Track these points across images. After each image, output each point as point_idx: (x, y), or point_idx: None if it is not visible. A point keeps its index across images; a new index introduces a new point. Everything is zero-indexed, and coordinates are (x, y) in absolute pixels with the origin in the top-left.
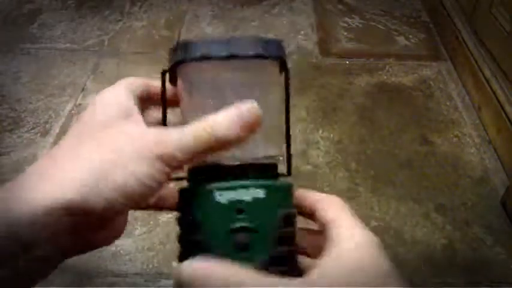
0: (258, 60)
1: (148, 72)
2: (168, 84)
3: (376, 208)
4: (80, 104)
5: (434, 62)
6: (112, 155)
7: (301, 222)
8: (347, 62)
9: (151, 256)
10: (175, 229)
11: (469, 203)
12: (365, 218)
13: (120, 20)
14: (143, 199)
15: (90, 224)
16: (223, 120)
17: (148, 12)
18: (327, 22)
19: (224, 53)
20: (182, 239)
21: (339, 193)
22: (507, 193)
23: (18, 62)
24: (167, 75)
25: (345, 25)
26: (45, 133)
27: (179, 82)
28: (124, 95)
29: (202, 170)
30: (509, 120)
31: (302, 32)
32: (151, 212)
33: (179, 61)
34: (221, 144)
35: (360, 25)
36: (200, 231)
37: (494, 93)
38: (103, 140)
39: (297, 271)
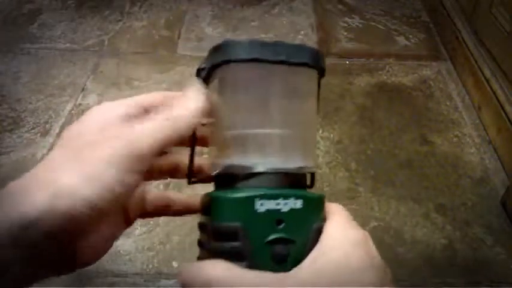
0: (304, 68)
1: (148, 72)
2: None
3: (376, 208)
4: (80, 104)
5: (434, 62)
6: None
7: None
8: (347, 62)
9: (151, 256)
10: (175, 229)
11: (469, 203)
12: (365, 218)
13: (120, 20)
14: (114, 204)
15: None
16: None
17: (148, 12)
18: (327, 22)
19: (274, 58)
20: (211, 245)
21: (339, 193)
22: (507, 193)
23: (18, 62)
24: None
25: (345, 25)
26: (45, 133)
27: (215, 82)
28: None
29: (236, 175)
30: (509, 120)
31: (302, 32)
32: None
33: (226, 60)
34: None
35: (360, 25)
36: (237, 240)
37: (494, 93)
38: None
39: None
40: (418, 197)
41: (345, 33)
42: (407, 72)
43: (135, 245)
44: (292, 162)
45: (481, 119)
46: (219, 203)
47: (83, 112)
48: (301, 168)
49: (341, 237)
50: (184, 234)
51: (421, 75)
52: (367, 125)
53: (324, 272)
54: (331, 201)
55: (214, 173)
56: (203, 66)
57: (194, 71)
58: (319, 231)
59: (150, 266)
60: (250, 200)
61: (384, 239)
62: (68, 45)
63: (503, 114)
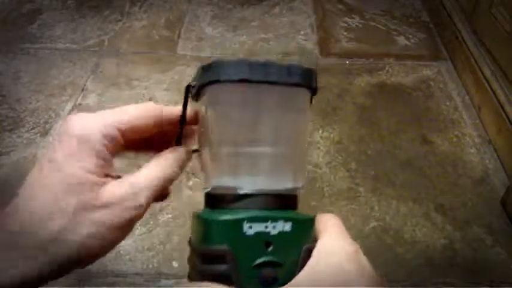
0: (294, 88)
1: (148, 72)
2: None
3: (376, 208)
4: (80, 104)
5: (434, 62)
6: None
7: None
8: (347, 62)
9: (151, 256)
10: (175, 229)
11: (469, 203)
12: (365, 218)
13: (120, 20)
14: None
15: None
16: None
17: (148, 12)
18: (327, 22)
19: (262, 78)
20: (199, 267)
21: (339, 193)
22: (507, 193)
23: (18, 62)
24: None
25: (345, 25)
26: (45, 133)
27: (205, 101)
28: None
29: (225, 195)
30: (509, 120)
31: (302, 32)
32: (151, 212)
33: (214, 80)
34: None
35: (360, 25)
36: (224, 262)
37: (494, 93)
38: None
39: None
40: (418, 197)
41: (345, 33)
42: (407, 72)
43: (135, 245)
44: (281, 183)
45: (481, 119)
46: (207, 225)
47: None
48: (290, 189)
49: (336, 247)
50: (184, 234)
51: (421, 75)
52: (367, 125)
53: (320, 278)
54: (331, 201)
55: (204, 191)
56: (193, 84)
57: (194, 72)
58: (309, 253)
59: (150, 266)
60: (239, 223)
61: (384, 239)
62: (68, 45)
63: (503, 114)
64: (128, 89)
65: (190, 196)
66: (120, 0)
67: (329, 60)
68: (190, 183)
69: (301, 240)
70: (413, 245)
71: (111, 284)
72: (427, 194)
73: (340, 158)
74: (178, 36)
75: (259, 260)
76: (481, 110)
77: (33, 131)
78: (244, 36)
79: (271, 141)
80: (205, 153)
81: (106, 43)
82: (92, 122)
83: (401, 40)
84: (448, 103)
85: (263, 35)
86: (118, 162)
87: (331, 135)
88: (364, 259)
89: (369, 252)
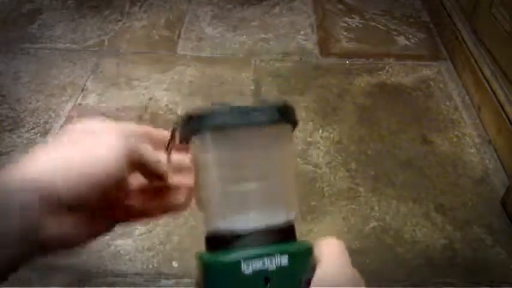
0: (272, 125)
1: (148, 72)
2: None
3: (376, 208)
4: (80, 104)
5: (434, 62)
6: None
7: None
8: (347, 62)
9: (151, 256)
10: (175, 229)
11: (469, 203)
12: (365, 218)
13: (120, 20)
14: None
15: (60, 210)
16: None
17: (148, 12)
18: (327, 22)
19: (240, 121)
20: None
21: (339, 193)
22: (507, 193)
23: (18, 62)
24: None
25: (345, 25)
26: (45, 133)
27: (190, 149)
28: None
29: (222, 237)
30: (509, 120)
31: (302, 32)
32: None
33: (195, 130)
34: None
35: (360, 25)
36: None
37: (494, 93)
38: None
39: None
40: (418, 197)
41: (345, 33)
42: (407, 72)
43: (135, 245)
44: (274, 217)
45: (481, 119)
46: (207, 268)
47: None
48: (284, 222)
49: (331, 278)
50: (184, 234)
51: (421, 75)
52: (367, 125)
53: None
54: (331, 201)
55: (203, 234)
56: (178, 130)
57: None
58: (308, 284)
59: (150, 266)
60: (237, 264)
61: (384, 239)
62: (68, 45)
63: (503, 114)
64: (128, 89)
65: None
66: (120, 0)
67: (329, 60)
68: None
69: (300, 272)
70: (413, 245)
71: (111, 284)
72: (427, 194)
73: (340, 158)
74: (178, 36)
75: None
76: (481, 110)
77: (33, 131)
78: (244, 36)
79: (257, 178)
80: (198, 196)
81: (106, 43)
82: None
83: (401, 40)
84: (448, 103)
85: (263, 35)
86: None
87: (331, 135)
88: (362, 284)
89: (369, 252)
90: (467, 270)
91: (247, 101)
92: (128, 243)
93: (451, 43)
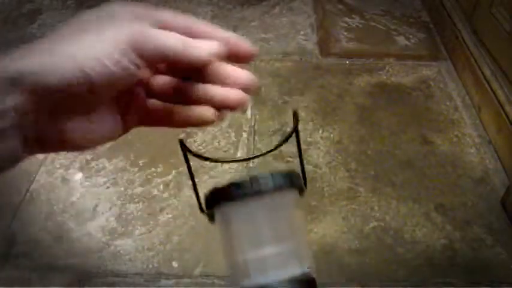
0: (281, 192)
1: None
2: None
3: (376, 208)
4: None
5: (434, 62)
6: (86, 35)
7: None
8: (347, 62)
9: (151, 256)
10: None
11: (469, 203)
12: (365, 218)
13: None
14: (105, 83)
15: (55, 104)
16: (202, 46)
17: None
18: (327, 22)
19: (256, 190)
20: None
21: (339, 193)
22: (507, 193)
23: None
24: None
25: (345, 25)
26: None
27: (218, 219)
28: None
29: None
30: (509, 120)
31: (302, 32)
32: (151, 212)
33: (214, 204)
34: (187, 62)
35: (360, 25)
36: None
37: (494, 93)
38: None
39: None
40: (418, 197)
41: (345, 33)
42: (407, 72)
43: (135, 245)
44: (292, 271)
45: (481, 119)
46: None
47: None
48: (300, 275)
49: None
50: (184, 234)
51: (421, 75)
52: (367, 125)
53: None
54: (331, 201)
55: None
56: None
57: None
58: None
59: (150, 266)
60: None
61: (384, 239)
62: None
63: (503, 114)
64: None
65: (191, 196)
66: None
67: (329, 60)
68: (190, 183)
69: None
70: (413, 245)
71: (111, 284)
72: (427, 194)
73: (340, 158)
74: None
75: None
76: (481, 110)
77: None
78: (244, 36)
79: (273, 241)
80: (226, 261)
81: None
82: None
83: (401, 40)
84: (448, 103)
85: (263, 35)
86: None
87: (331, 135)
88: None
89: (369, 252)
90: (467, 270)
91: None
92: (128, 243)
93: (451, 43)
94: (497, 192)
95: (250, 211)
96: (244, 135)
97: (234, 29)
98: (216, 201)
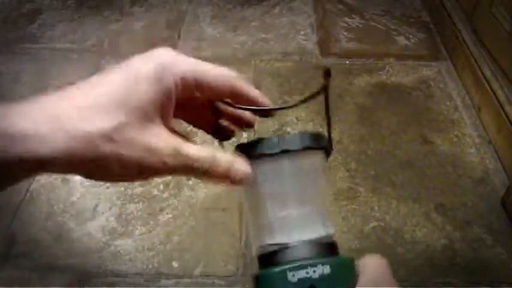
0: (311, 151)
1: None
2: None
3: (376, 208)
4: None
5: (434, 62)
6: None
7: None
8: (347, 62)
9: (151, 256)
10: (175, 229)
11: (469, 203)
12: (365, 218)
13: (120, 20)
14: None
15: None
16: (212, 161)
17: (148, 12)
18: (327, 22)
19: (297, 147)
20: None
21: (339, 193)
22: (507, 193)
23: (18, 62)
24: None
25: (345, 25)
26: None
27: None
28: (154, 91)
29: (270, 253)
30: (509, 120)
31: (302, 32)
32: (151, 212)
33: (255, 155)
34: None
35: (360, 25)
36: None
37: (494, 93)
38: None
39: None
40: (418, 197)
41: (345, 33)
42: (407, 72)
43: (135, 245)
44: (314, 233)
45: (481, 119)
46: (259, 280)
47: None
48: (324, 236)
49: (377, 282)
50: (184, 234)
51: (421, 75)
52: (367, 125)
53: None
54: (331, 201)
55: (255, 254)
56: (241, 147)
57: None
58: None
59: (150, 266)
60: (283, 273)
61: (384, 239)
62: (68, 45)
63: (503, 114)
64: None
65: (190, 196)
66: (120, 0)
67: (329, 60)
68: (191, 182)
69: (343, 280)
70: (413, 245)
71: (111, 284)
72: (427, 194)
73: (340, 158)
74: (178, 36)
75: None
76: (481, 110)
77: None
78: (244, 36)
79: (299, 201)
80: (252, 219)
81: (106, 43)
82: (178, 60)
83: (401, 40)
84: (448, 103)
85: (263, 35)
86: None
87: (331, 135)
88: None
89: (369, 252)
90: (467, 270)
91: None
92: (128, 243)
93: (451, 43)
94: (497, 192)
95: (277, 170)
96: (244, 135)
97: (234, 29)
98: (258, 152)
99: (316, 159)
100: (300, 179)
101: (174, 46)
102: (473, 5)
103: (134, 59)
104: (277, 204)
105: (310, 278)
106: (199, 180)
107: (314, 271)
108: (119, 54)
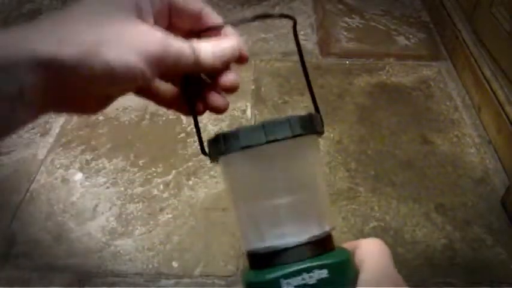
0: (297, 139)
1: None
2: None
3: (376, 208)
4: None
5: (434, 61)
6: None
7: None
8: (347, 62)
9: (151, 256)
10: (175, 229)
11: (469, 203)
12: (365, 218)
13: None
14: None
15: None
16: (212, 52)
17: None
18: (327, 22)
19: (264, 140)
20: None
21: (339, 193)
22: (507, 193)
23: None
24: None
25: (345, 25)
26: (45, 133)
27: (223, 169)
28: None
29: (261, 255)
30: (509, 120)
31: (302, 32)
32: (151, 212)
33: (221, 153)
34: (199, 68)
35: (360, 25)
36: None
37: (494, 93)
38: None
39: None
40: (418, 197)
41: (345, 33)
42: (407, 72)
43: (135, 245)
44: (309, 230)
45: (481, 119)
46: (248, 287)
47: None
48: (319, 233)
49: (378, 280)
50: (184, 234)
51: (421, 75)
52: (367, 125)
53: None
54: (331, 201)
55: (243, 253)
56: (207, 151)
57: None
58: None
59: (150, 266)
60: (276, 282)
61: (384, 239)
62: None
63: (503, 114)
64: None
65: (190, 196)
66: None
67: (329, 60)
68: (190, 183)
69: (342, 281)
70: (413, 245)
71: (111, 284)
72: (427, 194)
73: (340, 158)
74: None
75: None
76: (481, 110)
77: (33, 131)
78: (244, 36)
79: (287, 193)
80: (235, 215)
81: None
82: None
83: (401, 40)
84: (448, 103)
85: (263, 35)
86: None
87: (331, 135)
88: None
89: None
90: (467, 270)
91: (248, 100)
92: (128, 243)
93: (451, 43)
94: (497, 192)
95: (263, 162)
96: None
97: (234, 29)
98: (219, 150)
99: (307, 145)
100: (290, 170)
101: None
102: (473, 5)
103: None
104: (266, 201)
105: (306, 285)
106: (199, 180)
107: (311, 276)
108: None
